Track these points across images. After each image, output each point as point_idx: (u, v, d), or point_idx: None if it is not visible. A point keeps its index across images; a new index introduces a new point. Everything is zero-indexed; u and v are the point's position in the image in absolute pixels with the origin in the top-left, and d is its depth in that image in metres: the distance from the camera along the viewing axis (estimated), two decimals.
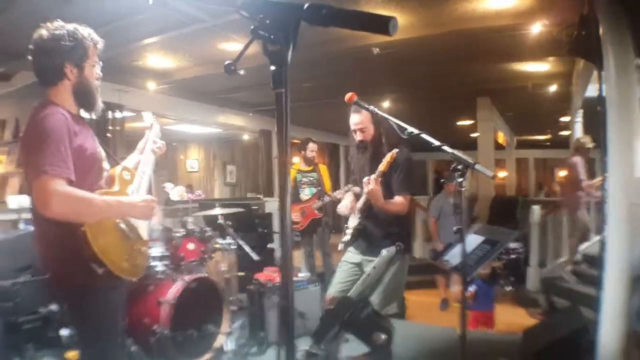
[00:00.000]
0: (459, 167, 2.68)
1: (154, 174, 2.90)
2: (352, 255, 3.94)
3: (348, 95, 3.22)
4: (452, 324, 4.81)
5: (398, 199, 3.63)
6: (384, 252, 3.45)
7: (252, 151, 14.66)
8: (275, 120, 1.33)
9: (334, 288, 3.98)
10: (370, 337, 3.14)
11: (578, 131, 8.44)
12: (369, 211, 3.76)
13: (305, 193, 6.67)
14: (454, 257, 3.36)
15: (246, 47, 1.41)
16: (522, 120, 12.23)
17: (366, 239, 3.82)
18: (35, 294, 3.75)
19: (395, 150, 3.45)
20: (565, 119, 10.74)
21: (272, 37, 1.27)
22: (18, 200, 5.53)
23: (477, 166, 2.68)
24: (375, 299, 3.60)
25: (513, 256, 6.10)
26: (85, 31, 2.36)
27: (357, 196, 3.93)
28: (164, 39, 6.20)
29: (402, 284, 3.87)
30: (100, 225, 2.21)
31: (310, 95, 8.93)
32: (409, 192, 3.67)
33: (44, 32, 2.27)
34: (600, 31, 4.00)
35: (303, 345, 4.81)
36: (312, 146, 6.75)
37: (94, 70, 2.42)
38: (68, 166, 2.11)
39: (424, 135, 2.91)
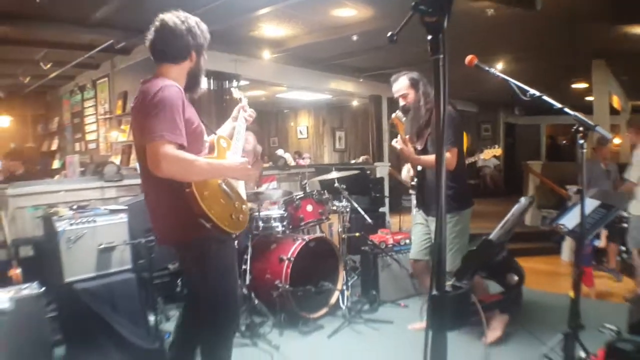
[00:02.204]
0: (580, 129, 2.69)
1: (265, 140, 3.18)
2: (419, 217, 4.18)
3: (468, 58, 3.22)
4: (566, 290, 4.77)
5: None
6: (522, 200, 3.57)
7: (361, 117, 14.73)
8: (434, 86, 1.42)
9: (414, 251, 4.26)
10: (504, 277, 3.24)
11: None
12: (421, 173, 3.99)
13: None
14: (569, 220, 3.36)
15: (407, 20, 1.51)
16: (637, 85, 11.51)
17: (425, 201, 4.05)
18: (163, 251, 4.07)
19: (395, 114, 3.75)
20: None
21: (430, 10, 1.37)
22: None
23: (597, 128, 2.68)
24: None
25: (625, 224, 5.83)
26: (204, 26, 2.74)
27: None
28: (279, 8, 6.36)
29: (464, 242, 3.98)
30: (206, 186, 2.51)
31: (419, 58, 8.88)
32: (451, 143, 3.78)
33: (175, 18, 2.61)
34: None
35: (412, 303, 5.03)
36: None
37: (204, 60, 2.78)
38: (182, 134, 2.40)
39: (545, 98, 2.90)
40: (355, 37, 7.28)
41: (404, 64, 10.11)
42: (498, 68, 9.61)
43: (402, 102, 4.11)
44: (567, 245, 7.09)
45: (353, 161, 13.59)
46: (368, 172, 8.34)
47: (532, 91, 2.98)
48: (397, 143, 3.85)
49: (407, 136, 3.87)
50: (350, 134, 15.79)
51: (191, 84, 2.73)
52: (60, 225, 3.71)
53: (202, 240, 2.57)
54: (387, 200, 8.58)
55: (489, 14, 6.05)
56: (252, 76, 8.65)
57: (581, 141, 2.71)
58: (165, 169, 2.30)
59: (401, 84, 4.10)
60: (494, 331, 4.06)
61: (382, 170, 9.67)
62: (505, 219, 3.36)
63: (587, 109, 11.29)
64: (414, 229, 4.32)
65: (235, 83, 8.07)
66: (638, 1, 5.80)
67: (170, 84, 2.49)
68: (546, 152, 17.18)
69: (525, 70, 9.85)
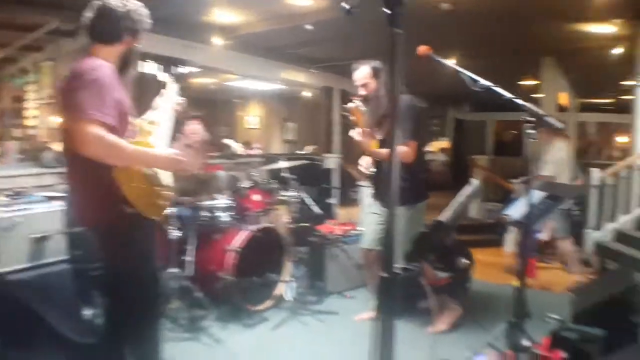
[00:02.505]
0: (530, 119, 2.70)
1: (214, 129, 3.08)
2: (375, 207, 4.14)
3: (421, 48, 3.20)
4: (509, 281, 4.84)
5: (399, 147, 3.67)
6: (472, 181, 3.56)
7: (312, 108, 14.64)
8: (389, 63, 1.40)
9: (367, 240, 4.25)
10: (453, 261, 3.21)
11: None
12: (379, 164, 3.93)
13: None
14: (514, 211, 3.36)
15: None
16: (585, 83, 11.81)
17: (382, 192, 3.82)
18: None
19: (352, 103, 3.66)
20: (628, 83, 10.34)
21: None
22: None
23: (547, 118, 2.69)
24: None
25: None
26: (144, 11, 2.69)
27: None
28: None
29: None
30: (128, 169, 2.45)
31: (374, 50, 8.84)
32: (410, 137, 3.73)
33: (117, 0, 2.56)
34: None
35: (359, 294, 5.00)
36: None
37: (139, 45, 2.73)
38: (112, 114, 2.33)
39: (495, 88, 2.90)
40: (309, 27, 7.19)
41: (357, 56, 10.08)
42: (363, 70, 9.67)
43: (362, 92, 4.01)
44: (511, 237, 7.24)
45: (306, 148, 13.51)
46: (317, 162, 8.27)
47: (482, 81, 2.99)
48: (356, 134, 3.76)
49: (358, 129, 3.79)
50: (301, 125, 15.70)
51: (123, 67, 2.67)
52: None
53: (120, 224, 2.50)
54: (336, 192, 8.52)
55: (444, 8, 6.04)
56: (202, 62, 8.43)
57: (531, 131, 2.72)
58: (92, 149, 2.26)
59: (362, 73, 4.00)
60: (441, 324, 4.07)
61: (331, 161, 9.60)
62: (456, 200, 3.34)
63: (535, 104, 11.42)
64: (367, 218, 4.27)
65: (182, 69, 7.84)
66: (588, 1, 5.89)
67: (103, 63, 2.44)
68: (493, 148, 17.44)
69: (474, 67, 9.88)
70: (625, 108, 12.01)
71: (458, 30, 7.20)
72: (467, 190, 3.40)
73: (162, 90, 3.09)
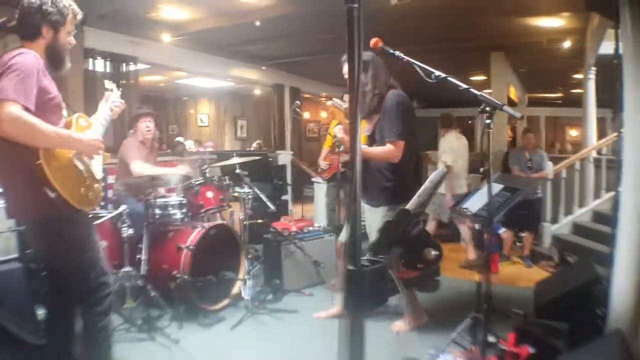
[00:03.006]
0: (487, 109, 2.70)
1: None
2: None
3: (373, 41, 3.19)
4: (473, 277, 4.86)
5: (386, 146, 3.63)
6: (440, 167, 3.51)
7: (263, 106, 14.56)
8: (347, 40, 1.33)
9: (345, 235, 4.06)
10: (421, 252, 3.15)
11: (591, 89, 8.38)
12: (364, 162, 3.72)
13: (340, 147, 6.55)
14: (473, 204, 3.37)
15: None
16: (534, 77, 12.05)
17: (365, 188, 3.80)
18: None
19: (331, 101, 3.66)
20: (578, 76, 10.60)
21: None
22: None
23: (505, 107, 2.71)
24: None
25: (525, 212, 6.11)
26: (65, 2, 2.64)
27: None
28: None
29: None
30: (55, 157, 2.45)
31: (325, 47, 8.84)
32: (398, 137, 3.62)
33: None
34: None
35: (317, 291, 4.96)
36: (347, 97, 6.56)
37: (68, 37, 2.70)
38: (29, 97, 2.32)
39: (450, 78, 2.90)
40: (258, 23, 7.11)
41: (307, 52, 10.13)
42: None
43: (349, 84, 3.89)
44: (465, 231, 7.30)
45: (249, 149, 13.42)
46: (270, 159, 8.21)
47: (437, 73, 2.99)
48: (339, 131, 3.67)
49: (341, 125, 3.71)
50: (252, 123, 15.59)
51: (52, 61, 2.64)
52: None
53: (49, 216, 2.47)
54: (289, 189, 8.48)
55: (393, 3, 6.04)
56: (151, 60, 8.24)
57: (488, 121, 2.74)
58: (8, 128, 2.24)
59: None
60: (407, 325, 4.04)
61: (284, 158, 9.54)
62: (422, 187, 3.30)
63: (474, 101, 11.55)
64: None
65: (132, 66, 7.66)
66: None
67: (25, 51, 2.45)
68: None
69: (423, 62, 10.03)
70: (575, 102, 12.35)
71: (406, 26, 7.20)
72: (433, 177, 3.36)
73: (106, 94, 3.13)
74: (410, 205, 3.21)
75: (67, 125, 2.71)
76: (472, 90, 2.82)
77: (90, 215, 2.92)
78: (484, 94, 2.77)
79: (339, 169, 6.11)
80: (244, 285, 4.67)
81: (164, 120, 15.98)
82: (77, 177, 2.59)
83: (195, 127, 15.88)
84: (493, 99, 2.74)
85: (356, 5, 1.28)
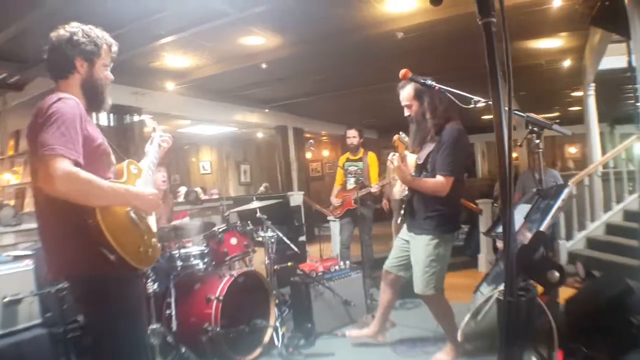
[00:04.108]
0: (535, 129, 2.57)
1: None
2: (403, 232, 3.95)
3: (402, 72, 3.12)
4: None
5: (436, 178, 3.53)
6: (569, 184, 3.36)
7: (265, 149, 14.49)
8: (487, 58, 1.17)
9: (389, 262, 4.06)
10: (544, 275, 2.93)
11: (592, 105, 8.37)
12: (410, 190, 3.75)
13: (350, 182, 6.42)
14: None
15: None
16: (532, 99, 12.00)
17: (411, 216, 3.78)
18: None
19: (396, 136, 3.48)
20: (577, 94, 10.56)
21: None
22: None
23: (554, 126, 2.58)
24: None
25: None
26: (99, 32, 2.42)
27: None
28: (183, 37, 5.99)
29: (442, 267, 3.74)
30: (112, 214, 2.16)
31: (324, 87, 8.76)
32: (450, 173, 3.50)
33: (60, 30, 2.35)
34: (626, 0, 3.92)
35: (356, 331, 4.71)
36: (350, 133, 6.46)
37: (105, 70, 2.45)
38: (77, 149, 2.06)
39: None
40: (264, 65, 7.03)
41: (308, 93, 10.08)
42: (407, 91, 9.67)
43: (407, 112, 3.79)
44: (483, 257, 7.17)
45: (261, 188, 13.29)
46: (285, 201, 8.03)
47: (476, 98, 2.87)
48: (393, 160, 3.53)
49: (408, 149, 3.59)
50: (255, 167, 15.50)
51: (91, 99, 2.38)
52: None
53: (102, 276, 2.16)
54: (304, 229, 8.28)
55: (399, 37, 5.99)
56: (155, 109, 8.12)
57: (537, 141, 2.60)
58: (60, 186, 1.97)
59: (405, 93, 3.74)
60: (448, 355, 3.85)
61: (296, 199, 9.37)
62: (556, 206, 3.08)
63: (487, 128, 11.48)
64: (396, 242, 4.07)
65: (136, 117, 7.54)
66: (536, 17, 5.90)
67: (67, 96, 2.18)
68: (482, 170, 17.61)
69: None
70: (572, 119, 12.25)
71: (413, 57, 7.15)
72: (566, 193, 3.15)
73: (152, 135, 2.87)
74: (544, 227, 3.00)
75: (118, 174, 2.45)
76: (517, 112, 2.67)
77: None
78: (530, 115, 2.62)
79: (353, 205, 5.95)
80: (275, 331, 4.42)
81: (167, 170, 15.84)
82: (135, 234, 2.29)
83: (197, 175, 15.75)
84: (541, 119, 2.60)
85: (493, 20, 1.11)
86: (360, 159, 6.45)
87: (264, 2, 5.04)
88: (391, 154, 3.57)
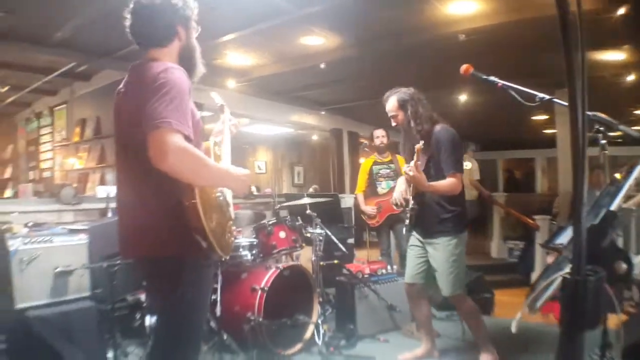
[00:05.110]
0: (601, 128, 2.40)
1: None
2: (415, 239, 3.93)
3: (464, 67, 3.04)
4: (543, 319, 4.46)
5: (448, 179, 3.57)
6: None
7: (320, 151, 14.48)
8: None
9: (409, 274, 3.98)
10: (611, 266, 2.78)
11: None
12: (420, 196, 3.73)
13: (382, 186, 6.03)
14: (567, 237, 3.07)
15: None
16: (595, 110, 11.60)
17: (422, 224, 3.79)
18: (124, 280, 3.59)
19: (419, 144, 3.42)
20: (638, 112, 10.09)
21: None
22: (106, 190, 5.46)
23: (621, 127, 2.41)
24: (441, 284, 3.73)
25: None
26: None
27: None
28: (245, 34, 6.01)
29: (463, 264, 3.79)
30: (206, 197, 2.06)
31: (380, 91, 8.64)
32: (458, 170, 3.61)
33: None
34: None
35: (392, 337, 4.58)
36: (378, 132, 6.07)
37: (195, 35, 2.31)
38: (189, 124, 1.94)
39: (556, 100, 2.66)
40: (323, 65, 6.98)
41: (364, 97, 9.97)
42: (462, 99, 9.49)
43: (393, 123, 3.91)
44: (537, 275, 6.89)
45: (311, 189, 13.26)
46: (337, 202, 7.93)
47: (540, 95, 2.73)
48: (409, 170, 3.51)
49: (411, 164, 3.54)
50: (309, 169, 15.51)
51: (187, 67, 2.19)
52: (13, 244, 3.17)
53: (189, 261, 2.06)
54: (353, 231, 8.17)
55: (461, 39, 5.83)
56: (216, 106, 8.17)
57: (603, 141, 2.43)
58: (173, 162, 1.84)
59: (390, 105, 3.87)
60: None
61: (347, 201, 9.28)
62: (627, 184, 2.92)
63: (548, 142, 11.06)
64: (410, 252, 4.00)
65: (199, 113, 7.60)
66: (600, 26, 5.64)
67: (175, 66, 2.03)
68: (504, 186, 17.16)
69: (488, 102, 9.73)
70: (635, 139, 11.70)
71: (473, 60, 6.97)
72: (636, 172, 2.99)
73: (221, 116, 2.73)
74: (615, 207, 2.84)
75: (206, 154, 2.21)
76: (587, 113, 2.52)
77: None
78: (597, 114, 2.45)
79: (395, 209, 5.65)
80: (316, 329, 4.34)
81: None
82: (222, 220, 2.19)
83: (253, 174, 15.87)
84: (607, 118, 2.42)
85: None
86: (390, 161, 6.05)
87: (323, 1, 4.99)
88: (405, 165, 3.58)
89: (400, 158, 6.09)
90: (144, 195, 2.05)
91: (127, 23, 2.16)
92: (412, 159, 3.51)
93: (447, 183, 3.58)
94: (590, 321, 1.03)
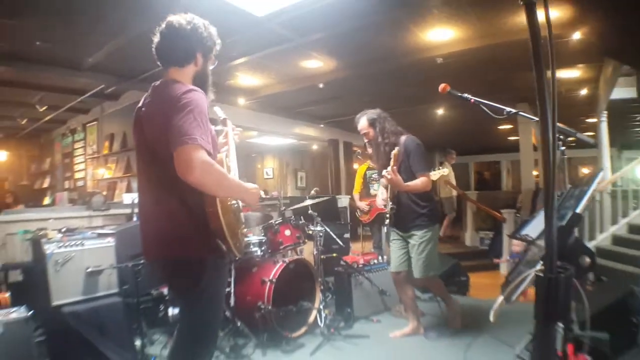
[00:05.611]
0: (561, 137, 2.44)
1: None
2: (396, 234, 4.03)
3: (442, 86, 3.04)
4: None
5: (420, 178, 3.73)
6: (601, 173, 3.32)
7: (319, 159, 14.51)
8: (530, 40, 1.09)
9: (394, 264, 4.07)
10: (576, 260, 2.80)
11: (603, 129, 8.07)
12: (397, 198, 3.87)
13: (374, 188, 6.18)
14: (534, 229, 3.07)
15: None
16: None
17: (401, 221, 3.90)
18: (148, 277, 3.58)
19: (395, 150, 3.53)
20: (591, 120, 10.17)
21: None
22: (132, 197, 5.47)
23: (578, 134, 2.45)
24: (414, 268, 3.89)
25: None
26: (213, 29, 2.24)
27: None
28: (253, 59, 6.04)
29: (435, 252, 3.92)
30: (224, 205, 2.06)
31: (371, 106, 8.66)
32: (426, 170, 3.78)
33: (181, 19, 2.14)
34: None
35: (384, 318, 4.58)
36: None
37: (211, 67, 2.31)
38: (209, 141, 1.93)
39: (521, 113, 2.77)
40: (321, 85, 7.00)
41: (359, 111, 9.98)
42: (440, 112, 9.56)
43: (365, 139, 4.08)
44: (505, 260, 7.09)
45: (313, 191, 13.30)
46: (334, 201, 7.93)
47: (507, 109, 2.77)
48: (387, 173, 3.55)
49: (389, 169, 3.59)
50: (310, 174, 15.53)
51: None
52: (49, 248, 3.18)
53: (207, 260, 2.05)
54: (349, 227, 8.18)
55: (438, 62, 5.86)
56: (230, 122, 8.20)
57: (562, 148, 2.47)
58: (200, 176, 1.83)
59: (361, 124, 4.05)
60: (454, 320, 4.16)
61: (343, 201, 9.30)
62: (590, 190, 2.94)
63: (512, 147, 11.13)
64: (393, 245, 4.08)
65: (213, 128, 7.61)
66: (557, 49, 5.67)
67: (195, 88, 2.01)
68: (475, 185, 17.91)
69: (462, 114, 9.79)
70: (587, 143, 11.76)
71: (449, 80, 6.98)
72: (597, 178, 3.00)
73: (223, 129, 2.64)
74: (580, 209, 2.86)
75: (220, 165, 2.13)
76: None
77: None
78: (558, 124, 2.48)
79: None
80: (319, 313, 4.36)
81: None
82: (237, 224, 2.21)
83: (261, 180, 15.87)
84: (567, 128, 2.45)
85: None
86: None
87: (322, 30, 5.04)
88: (384, 170, 3.66)
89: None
90: (170, 203, 2.02)
91: (155, 40, 2.16)
92: (384, 167, 3.64)
93: (419, 181, 3.73)
94: (561, 312, 1.04)
